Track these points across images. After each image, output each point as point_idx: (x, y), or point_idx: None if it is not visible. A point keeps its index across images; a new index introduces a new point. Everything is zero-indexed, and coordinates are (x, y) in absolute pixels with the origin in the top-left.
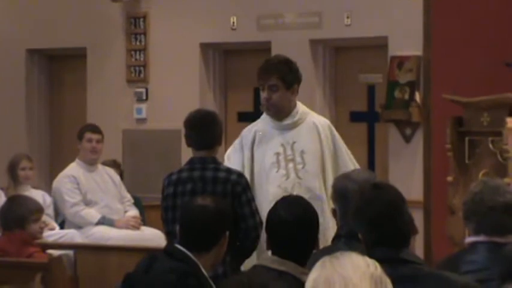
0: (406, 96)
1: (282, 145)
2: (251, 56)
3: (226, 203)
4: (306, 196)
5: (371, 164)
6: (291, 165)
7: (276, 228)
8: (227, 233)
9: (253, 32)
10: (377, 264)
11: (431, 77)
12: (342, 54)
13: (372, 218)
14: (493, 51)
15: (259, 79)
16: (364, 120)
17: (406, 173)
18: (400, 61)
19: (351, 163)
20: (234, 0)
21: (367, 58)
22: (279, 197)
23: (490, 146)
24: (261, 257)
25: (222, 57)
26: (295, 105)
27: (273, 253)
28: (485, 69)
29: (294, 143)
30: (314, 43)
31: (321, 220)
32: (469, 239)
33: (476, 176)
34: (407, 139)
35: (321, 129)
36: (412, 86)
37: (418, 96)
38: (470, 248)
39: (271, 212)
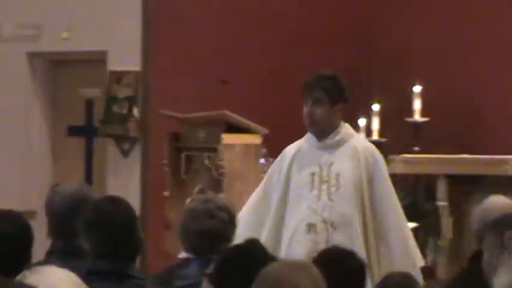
0: (125, 111)
1: (319, 165)
2: None
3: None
4: (336, 220)
5: (88, 179)
6: (324, 186)
7: None
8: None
9: None
10: (75, 275)
11: (150, 93)
12: (60, 68)
13: (106, 231)
14: (210, 69)
15: (304, 93)
16: (82, 134)
17: (124, 188)
18: (119, 76)
19: (388, 192)
20: None
21: (86, 72)
22: (307, 217)
23: (206, 161)
24: None
25: None
26: (338, 125)
27: None
28: (202, 86)
29: (331, 164)
30: (32, 56)
31: (350, 247)
32: (183, 255)
33: (192, 191)
34: (125, 154)
35: (361, 153)
36: (131, 101)
37: (136, 112)
38: (183, 263)
39: None
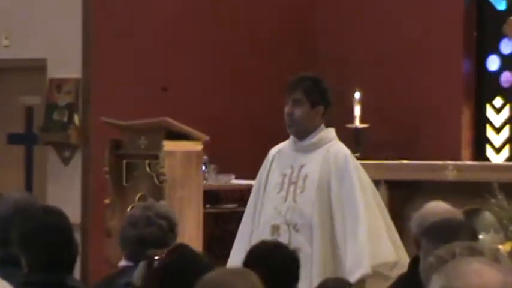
0: (65, 119)
1: (291, 167)
2: None
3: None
4: (298, 221)
5: (29, 187)
6: (292, 188)
7: None
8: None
9: None
10: (7, 283)
11: (90, 100)
12: (0, 76)
13: (41, 243)
14: (151, 76)
15: (286, 93)
16: (22, 142)
17: (65, 196)
18: (59, 83)
19: (354, 195)
20: None
21: (25, 80)
22: (272, 219)
23: (147, 168)
24: None
25: None
26: (317, 127)
27: None
28: (143, 93)
29: (302, 166)
30: None
31: (308, 250)
32: (123, 262)
33: (133, 199)
34: (66, 162)
35: (332, 157)
36: (71, 108)
37: (77, 119)
38: (122, 271)
39: None
